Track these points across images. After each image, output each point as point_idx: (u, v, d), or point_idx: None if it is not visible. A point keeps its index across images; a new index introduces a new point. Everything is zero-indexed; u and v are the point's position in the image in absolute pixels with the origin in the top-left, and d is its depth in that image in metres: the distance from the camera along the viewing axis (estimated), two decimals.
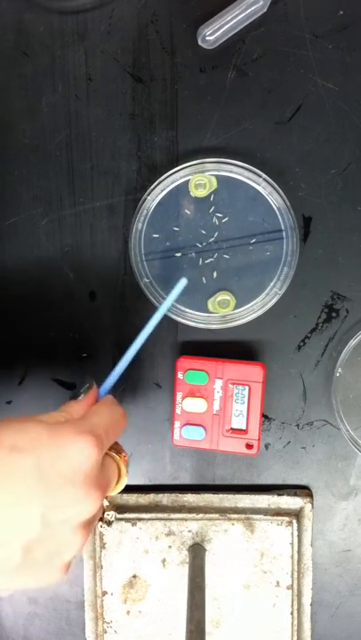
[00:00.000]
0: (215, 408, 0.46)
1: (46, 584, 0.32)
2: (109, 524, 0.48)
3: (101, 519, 0.47)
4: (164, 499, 0.50)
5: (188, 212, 0.47)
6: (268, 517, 0.49)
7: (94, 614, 0.51)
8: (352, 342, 0.46)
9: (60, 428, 0.32)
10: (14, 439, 0.31)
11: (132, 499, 0.50)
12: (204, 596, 0.44)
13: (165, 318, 0.47)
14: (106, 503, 0.47)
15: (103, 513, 0.47)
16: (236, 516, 0.49)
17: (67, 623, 0.52)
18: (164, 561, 0.50)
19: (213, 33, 0.44)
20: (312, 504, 0.49)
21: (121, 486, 0.38)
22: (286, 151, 0.46)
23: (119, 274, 0.48)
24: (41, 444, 0.31)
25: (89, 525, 0.33)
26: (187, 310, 0.47)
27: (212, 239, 0.47)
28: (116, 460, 0.37)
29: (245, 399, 0.46)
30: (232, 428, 0.46)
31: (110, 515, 0.47)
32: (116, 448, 0.38)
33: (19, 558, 0.30)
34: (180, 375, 0.46)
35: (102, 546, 0.50)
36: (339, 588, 0.51)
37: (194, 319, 0.47)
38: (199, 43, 0.45)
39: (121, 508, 0.50)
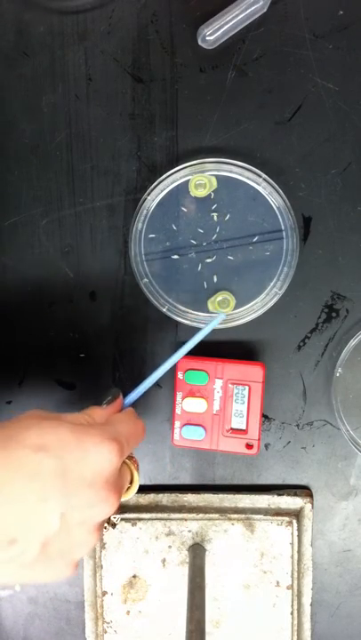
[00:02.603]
0: (215, 408, 0.46)
1: (56, 579, 0.34)
2: (114, 526, 0.48)
3: (108, 521, 0.48)
4: (164, 499, 0.50)
5: (188, 212, 0.47)
6: (268, 517, 0.49)
7: (94, 614, 0.51)
8: (352, 342, 0.46)
9: (85, 432, 0.33)
10: (42, 439, 0.32)
11: (133, 499, 0.50)
12: (204, 596, 0.44)
13: (165, 318, 0.47)
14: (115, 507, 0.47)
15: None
16: (236, 515, 0.49)
17: (67, 623, 0.52)
18: (164, 561, 0.50)
19: (213, 33, 0.44)
20: (312, 504, 0.49)
21: (133, 491, 0.39)
22: (286, 151, 0.46)
23: (119, 274, 0.48)
24: (66, 445, 0.32)
25: (102, 526, 0.34)
26: (187, 310, 0.47)
27: (212, 239, 0.47)
28: (129, 466, 0.38)
29: (245, 399, 0.46)
30: (232, 428, 0.46)
31: (116, 518, 0.48)
32: (130, 456, 0.39)
33: (36, 553, 0.31)
34: (180, 375, 0.46)
35: (102, 546, 0.50)
36: (339, 588, 0.51)
37: (194, 319, 0.47)
38: (199, 43, 0.45)
39: (121, 508, 0.50)
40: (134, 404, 0.41)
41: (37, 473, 0.31)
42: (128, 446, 0.35)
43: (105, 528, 0.49)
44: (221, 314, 0.46)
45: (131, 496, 0.39)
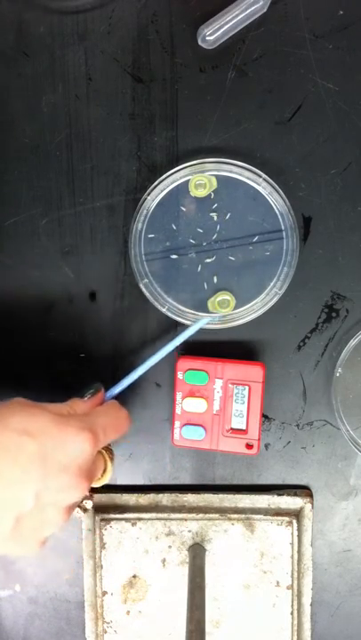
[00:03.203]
0: (215, 408, 0.46)
1: (24, 554, 0.39)
2: (85, 511, 0.50)
3: (80, 505, 0.50)
4: (164, 499, 0.50)
5: (188, 212, 0.47)
6: (268, 517, 0.49)
7: (94, 614, 0.51)
8: (352, 342, 0.46)
9: (65, 422, 0.36)
10: (26, 424, 0.35)
11: (132, 499, 0.50)
12: (204, 595, 0.44)
13: (165, 318, 0.47)
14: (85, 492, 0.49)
15: (82, 500, 0.50)
16: (236, 515, 0.49)
17: (67, 623, 0.52)
18: (164, 561, 0.50)
19: (213, 33, 0.44)
20: (312, 504, 0.49)
21: (105, 479, 0.43)
22: (286, 151, 0.46)
23: (119, 274, 0.48)
24: (47, 432, 0.35)
25: (71, 509, 0.38)
26: (187, 310, 0.47)
27: (212, 239, 0.47)
28: (104, 456, 0.42)
29: (245, 399, 0.46)
30: (232, 428, 0.46)
31: (88, 503, 0.49)
32: (107, 446, 0.42)
33: (9, 528, 0.34)
34: (180, 375, 0.46)
35: (102, 546, 0.50)
36: (339, 588, 0.51)
37: (194, 319, 0.47)
38: (199, 43, 0.45)
39: (121, 508, 0.50)
40: (121, 398, 0.43)
41: (20, 454, 0.34)
42: (105, 437, 0.38)
43: (77, 512, 0.50)
44: (205, 319, 0.46)
45: (103, 483, 0.43)
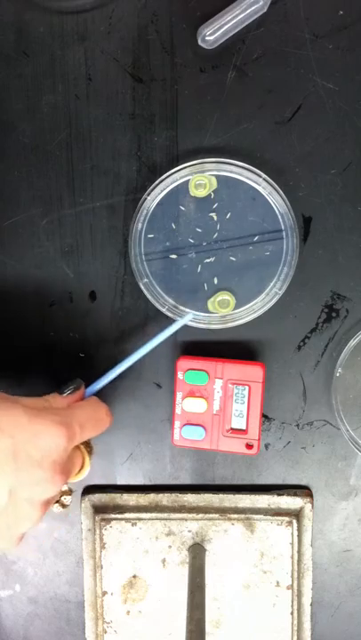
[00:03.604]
0: (215, 408, 0.46)
1: (1, 550, 0.38)
2: (64, 506, 0.50)
3: (58, 501, 0.50)
4: (164, 499, 0.50)
5: (188, 212, 0.47)
6: (268, 517, 0.49)
7: (94, 614, 0.51)
8: (352, 342, 0.46)
9: (38, 415, 0.36)
10: None
11: (132, 499, 0.50)
12: (204, 595, 0.44)
13: (165, 318, 0.47)
14: (65, 487, 0.50)
15: (61, 496, 0.50)
16: (236, 515, 0.49)
17: (67, 623, 0.52)
18: (164, 561, 0.50)
19: (213, 33, 0.44)
20: (312, 504, 0.49)
21: (83, 475, 0.43)
22: (286, 151, 0.46)
23: (119, 274, 0.48)
24: (20, 427, 0.35)
25: (48, 504, 0.37)
26: (187, 310, 0.47)
27: (212, 239, 0.47)
28: (82, 451, 0.42)
29: (245, 399, 0.46)
30: (232, 428, 0.46)
31: (67, 499, 0.49)
32: (86, 441, 0.42)
33: None
34: (180, 375, 0.46)
35: (102, 546, 0.50)
36: (339, 588, 0.51)
37: (194, 319, 0.47)
38: (199, 43, 0.45)
39: (121, 508, 0.50)
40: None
41: None
42: (82, 432, 0.38)
43: (56, 508, 0.50)
44: (190, 314, 0.46)
45: (80, 478, 0.43)
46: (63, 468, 0.36)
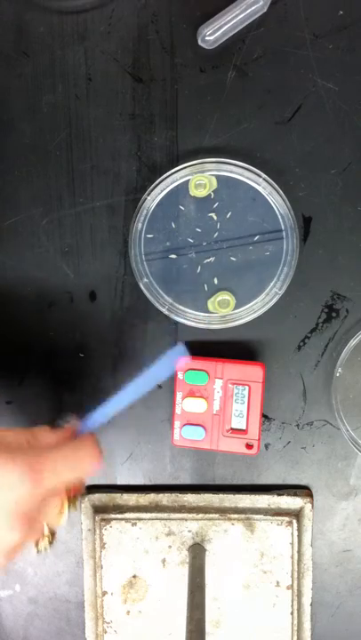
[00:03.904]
0: (215, 408, 0.46)
1: None
2: (45, 549, 0.45)
3: (37, 544, 0.44)
4: (164, 499, 0.50)
5: (188, 212, 0.47)
6: (268, 517, 0.49)
7: (94, 614, 0.51)
8: (352, 342, 0.46)
9: (8, 457, 0.33)
10: None
11: (132, 499, 0.50)
12: (204, 595, 0.44)
13: (165, 318, 0.47)
14: (46, 531, 0.44)
15: (37, 542, 0.45)
16: (236, 515, 0.49)
17: (67, 623, 0.52)
18: (164, 561, 0.50)
19: (213, 33, 0.44)
20: (312, 504, 0.49)
21: (60, 521, 0.38)
22: (286, 151, 0.46)
23: (119, 274, 0.48)
24: None
25: (12, 553, 0.34)
26: (187, 310, 0.47)
27: (212, 239, 0.47)
28: (62, 495, 0.38)
29: (245, 399, 0.46)
30: (232, 428, 0.46)
31: (41, 545, 0.44)
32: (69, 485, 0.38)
33: None
34: (180, 375, 0.46)
35: (102, 546, 0.50)
36: (339, 588, 0.51)
37: (194, 319, 0.47)
38: (199, 43, 0.45)
39: (121, 508, 0.50)
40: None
41: None
42: (56, 478, 0.34)
43: (37, 552, 0.45)
44: (180, 346, 0.41)
45: (59, 525, 0.39)
46: (26, 516, 0.33)
